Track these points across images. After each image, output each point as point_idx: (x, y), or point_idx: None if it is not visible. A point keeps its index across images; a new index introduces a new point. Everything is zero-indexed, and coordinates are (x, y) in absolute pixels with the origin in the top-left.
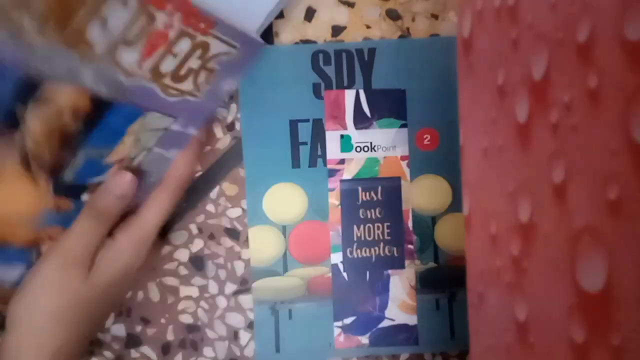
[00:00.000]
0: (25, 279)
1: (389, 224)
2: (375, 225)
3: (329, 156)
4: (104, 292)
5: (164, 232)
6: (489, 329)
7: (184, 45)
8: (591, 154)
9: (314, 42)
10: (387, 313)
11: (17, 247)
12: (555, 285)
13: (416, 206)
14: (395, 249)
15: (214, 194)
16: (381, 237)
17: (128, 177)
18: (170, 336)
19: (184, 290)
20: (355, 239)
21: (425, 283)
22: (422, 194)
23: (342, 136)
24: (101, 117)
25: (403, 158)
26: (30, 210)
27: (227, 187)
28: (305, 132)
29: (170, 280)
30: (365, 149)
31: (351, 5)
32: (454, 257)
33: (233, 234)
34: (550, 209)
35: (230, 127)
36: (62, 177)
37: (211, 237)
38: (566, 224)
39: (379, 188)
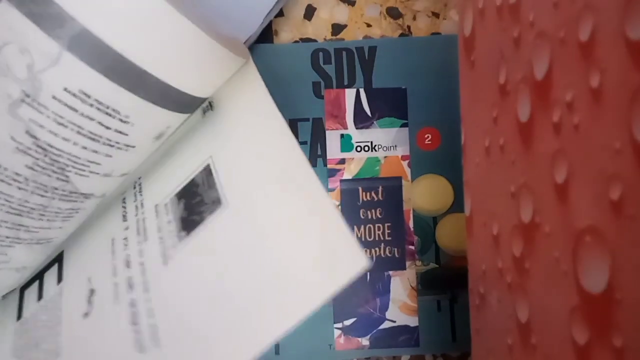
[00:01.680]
0: None
1: (389, 224)
2: (376, 225)
3: (329, 156)
4: None
5: None
6: (490, 331)
7: None
8: (594, 153)
9: (314, 40)
10: (388, 314)
11: None
12: (558, 286)
13: (417, 206)
14: (396, 249)
15: None
16: (382, 237)
17: None
18: None
19: None
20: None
21: (426, 284)
22: (423, 194)
23: (342, 135)
24: None
25: (404, 158)
26: None
27: None
28: (305, 131)
29: None
30: (366, 148)
31: (351, 3)
32: (456, 258)
33: None
34: (552, 209)
35: None
36: None
37: None
38: (568, 225)
39: (380, 188)
